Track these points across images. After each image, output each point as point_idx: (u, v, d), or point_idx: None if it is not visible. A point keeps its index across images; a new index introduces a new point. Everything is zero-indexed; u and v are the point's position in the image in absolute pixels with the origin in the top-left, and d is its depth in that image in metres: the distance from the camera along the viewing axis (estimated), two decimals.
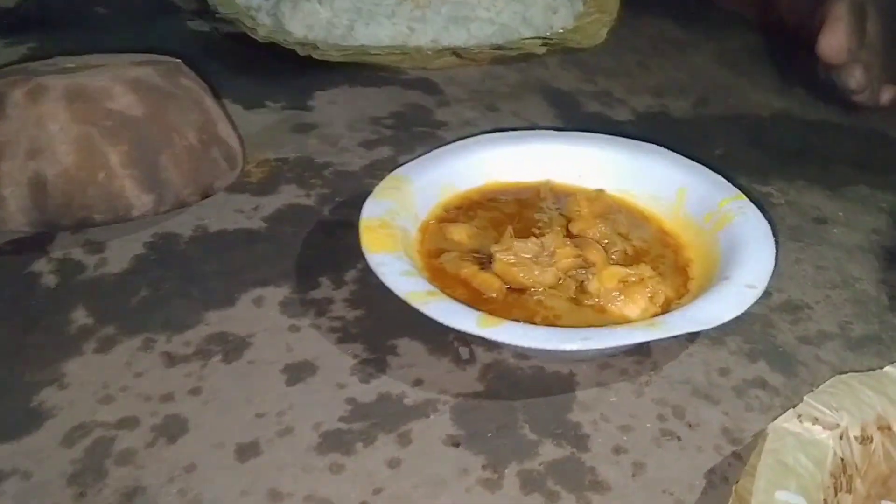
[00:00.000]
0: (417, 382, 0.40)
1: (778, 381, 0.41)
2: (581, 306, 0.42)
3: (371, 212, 0.44)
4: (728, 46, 0.75)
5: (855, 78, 0.62)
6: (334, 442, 0.37)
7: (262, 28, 0.68)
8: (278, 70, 0.66)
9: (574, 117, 0.63)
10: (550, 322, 0.41)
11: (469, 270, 0.43)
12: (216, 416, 0.38)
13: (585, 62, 0.70)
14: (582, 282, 0.42)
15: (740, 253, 0.41)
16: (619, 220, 0.46)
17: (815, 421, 0.34)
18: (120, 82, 0.43)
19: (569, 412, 0.39)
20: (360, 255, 0.41)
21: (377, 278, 0.40)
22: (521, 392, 0.40)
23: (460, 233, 0.45)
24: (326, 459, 0.36)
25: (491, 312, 0.40)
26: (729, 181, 0.47)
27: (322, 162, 0.56)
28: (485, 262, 0.43)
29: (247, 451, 0.36)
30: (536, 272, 0.42)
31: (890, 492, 0.35)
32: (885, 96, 0.65)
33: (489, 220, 0.47)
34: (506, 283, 0.42)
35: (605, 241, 0.45)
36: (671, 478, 0.36)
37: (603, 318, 0.41)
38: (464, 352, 0.41)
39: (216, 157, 0.47)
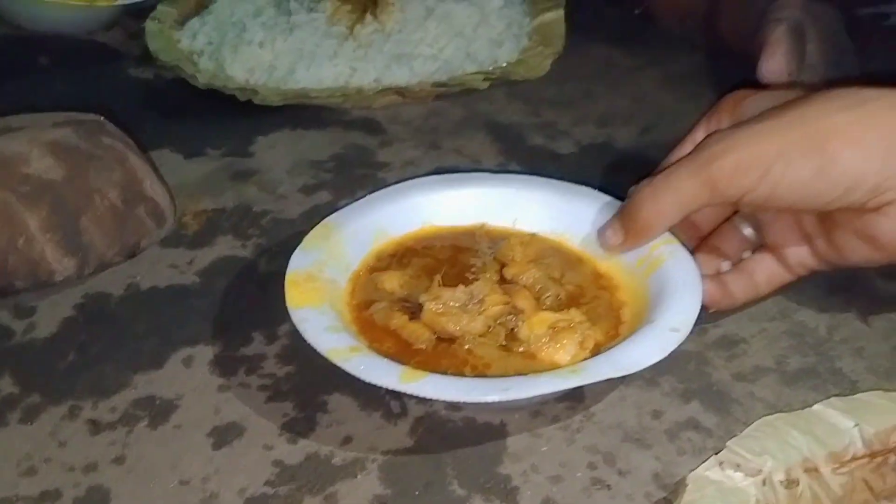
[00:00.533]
0: (346, 440, 0.39)
1: (711, 421, 0.40)
2: (511, 353, 0.41)
3: (298, 264, 0.43)
4: (673, 71, 0.75)
5: None
6: None
7: (204, 73, 0.68)
8: (219, 116, 0.65)
9: (517, 152, 0.63)
10: (480, 371, 0.40)
11: (398, 321, 0.42)
12: (139, 486, 0.37)
13: (530, 94, 0.70)
14: (512, 329, 0.42)
15: (668, 297, 0.41)
16: (552, 264, 0.46)
17: (737, 468, 0.34)
18: (37, 145, 0.43)
19: (499, 464, 0.38)
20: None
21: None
22: (451, 445, 0.39)
23: (392, 281, 0.45)
24: None
25: (420, 363, 0.39)
26: None
27: (260, 210, 0.55)
28: (415, 311, 0.43)
29: None
30: (465, 320, 0.42)
31: None
32: None
33: (423, 268, 0.47)
34: (435, 333, 0.42)
35: (539, 285, 0.45)
36: None
37: (533, 365, 0.41)
38: (395, 406, 0.41)
39: (141, 215, 0.46)
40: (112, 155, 0.46)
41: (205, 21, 0.74)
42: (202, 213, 0.54)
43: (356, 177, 0.59)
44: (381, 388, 0.38)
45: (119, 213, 0.45)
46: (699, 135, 0.45)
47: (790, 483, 0.35)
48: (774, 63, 0.61)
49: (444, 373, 0.39)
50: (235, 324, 0.46)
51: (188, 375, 0.42)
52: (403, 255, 0.47)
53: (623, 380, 0.42)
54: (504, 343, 0.42)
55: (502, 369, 0.40)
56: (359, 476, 0.37)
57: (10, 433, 0.40)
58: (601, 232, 0.46)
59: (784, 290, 0.46)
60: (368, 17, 0.71)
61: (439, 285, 0.43)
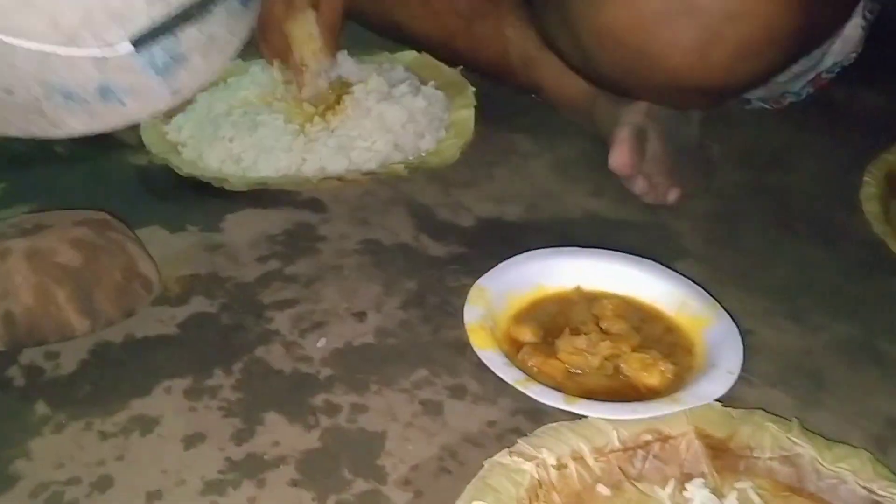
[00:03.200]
0: (275, 443, 0.57)
1: (529, 428, 0.58)
2: (617, 380, 0.60)
3: (470, 317, 0.63)
4: (564, 155, 0.94)
5: (639, 186, 0.82)
6: (215, 487, 0.54)
7: (185, 163, 0.87)
8: (198, 198, 0.84)
9: (428, 225, 0.81)
10: (599, 394, 0.59)
11: (538, 360, 0.61)
12: (133, 476, 0.55)
13: (443, 177, 0.88)
14: (617, 364, 0.61)
15: (721, 345, 0.61)
16: (633, 317, 0.65)
17: (521, 455, 0.52)
18: (63, 241, 0.62)
19: (377, 458, 0.56)
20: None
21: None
22: (346, 446, 0.57)
23: (526, 332, 0.64)
24: (207, 500, 0.53)
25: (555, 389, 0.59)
26: None
27: (225, 276, 0.74)
28: (549, 353, 0.62)
29: (153, 497, 0.54)
30: (588, 358, 0.61)
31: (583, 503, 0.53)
32: (672, 196, 0.83)
33: (544, 320, 0.65)
34: (566, 367, 0.61)
35: (626, 333, 0.64)
36: None
37: (634, 388, 0.60)
38: (311, 420, 0.59)
39: (136, 287, 0.65)
40: (116, 245, 0.64)
41: (188, 117, 0.93)
42: (182, 278, 0.73)
43: (300, 248, 0.77)
44: (303, 408, 0.56)
45: (121, 287, 0.63)
46: None
47: (560, 466, 0.53)
48: (619, 157, 0.80)
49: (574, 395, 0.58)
50: (203, 363, 0.64)
51: (168, 400, 0.61)
52: (529, 310, 0.66)
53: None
54: (610, 374, 0.61)
55: (614, 392, 0.59)
56: (281, 467, 0.56)
57: (45, 441, 0.58)
58: None
59: None
60: (317, 117, 0.89)
61: (568, 334, 0.62)
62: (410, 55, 1.02)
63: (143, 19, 0.58)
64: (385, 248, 0.78)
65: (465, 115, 0.94)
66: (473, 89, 0.97)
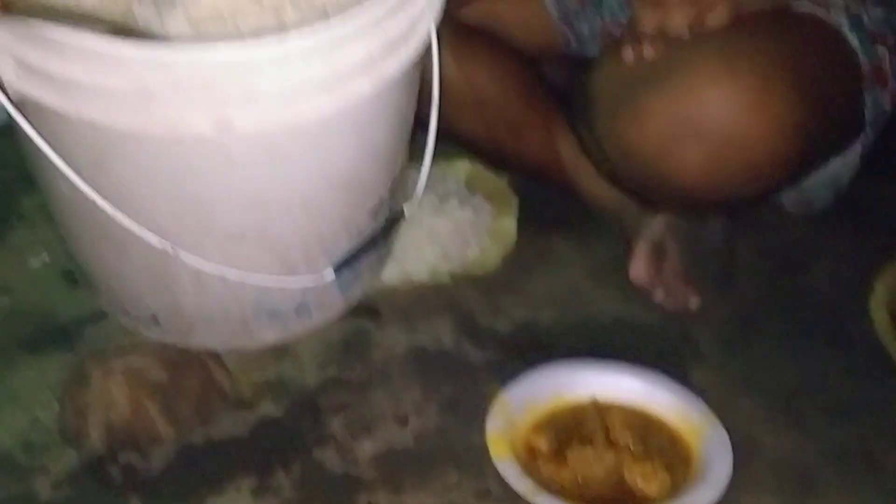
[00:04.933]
0: None
1: None
2: (621, 489, 0.70)
3: (491, 427, 0.73)
4: (599, 257, 1.02)
5: (658, 295, 0.90)
6: None
7: None
8: None
9: (469, 332, 0.91)
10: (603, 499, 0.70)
11: (551, 469, 0.71)
12: None
13: (487, 282, 0.98)
14: (621, 473, 0.71)
15: (713, 456, 0.70)
16: (639, 427, 0.74)
17: None
18: (154, 360, 0.75)
19: None
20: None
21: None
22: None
23: (541, 441, 0.74)
24: None
25: (570, 497, 0.68)
26: None
27: (290, 381, 0.85)
28: (561, 461, 0.72)
29: None
30: (594, 468, 0.70)
31: None
32: (692, 304, 0.91)
33: (558, 430, 0.75)
34: (576, 476, 0.70)
35: (632, 442, 0.73)
36: None
37: (635, 497, 0.69)
38: None
39: (213, 396, 0.77)
40: (196, 360, 0.77)
41: None
42: (253, 384, 0.84)
43: (357, 354, 0.88)
44: None
45: (200, 397, 0.76)
46: None
47: None
48: (636, 270, 0.89)
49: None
50: (267, 464, 0.75)
51: (238, 498, 0.73)
52: (547, 419, 0.76)
53: None
54: (616, 481, 0.70)
55: (617, 500, 0.69)
56: None
57: None
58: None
59: None
60: None
61: (579, 445, 0.72)
62: (464, 168, 1.12)
63: (344, 249, 0.72)
64: (429, 354, 0.88)
65: (509, 224, 1.03)
66: (517, 199, 1.06)
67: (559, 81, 1.12)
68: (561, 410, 0.76)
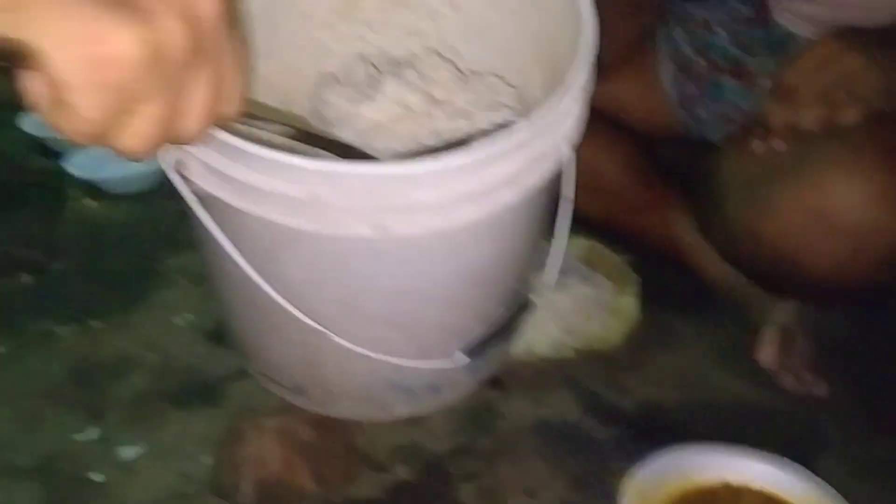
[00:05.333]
0: None
1: None
2: None
3: None
4: (720, 339, 1.03)
5: (786, 381, 0.91)
6: None
7: None
8: None
9: (593, 408, 0.93)
10: None
11: None
12: None
13: (610, 359, 1.00)
14: None
15: None
16: None
17: None
18: (304, 423, 0.80)
19: None
20: None
21: None
22: None
23: None
24: None
25: None
26: None
27: (423, 447, 0.88)
28: None
29: None
30: None
31: None
32: (819, 389, 0.92)
33: None
34: None
35: None
36: None
37: None
38: None
39: (354, 458, 0.82)
40: (340, 425, 0.82)
41: None
42: (389, 448, 0.88)
43: (484, 424, 0.91)
44: None
45: (343, 459, 0.81)
46: None
47: None
48: (766, 357, 0.90)
49: None
50: None
51: None
52: (678, 501, 0.77)
53: None
54: None
55: None
56: None
57: None
58: None
59: None
60: None
61: None
62: (583, 245, 1.15)
63: (475, 336, 0.78)
64: (554, 428, 0.90)
65: (630, 302, 1.06)
66: (638, 278, 1.09)
67: (676, 162, 1.15)
68: (692, 493, 0.78)
